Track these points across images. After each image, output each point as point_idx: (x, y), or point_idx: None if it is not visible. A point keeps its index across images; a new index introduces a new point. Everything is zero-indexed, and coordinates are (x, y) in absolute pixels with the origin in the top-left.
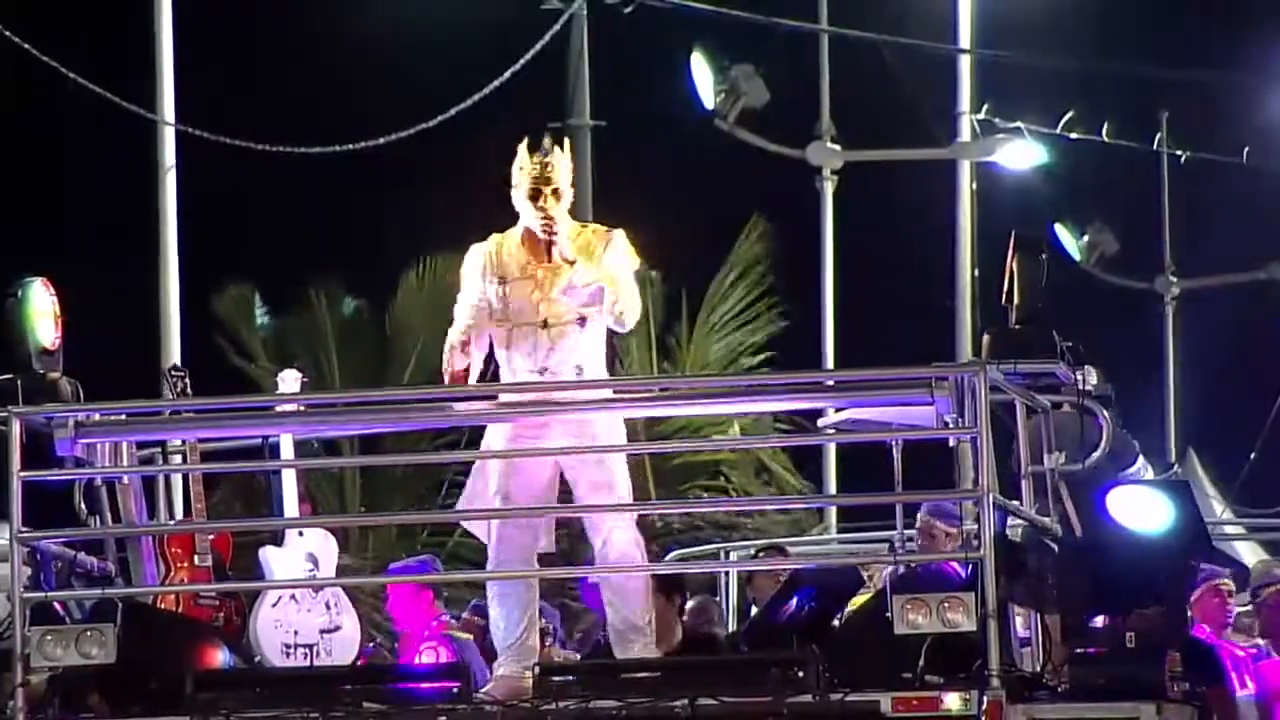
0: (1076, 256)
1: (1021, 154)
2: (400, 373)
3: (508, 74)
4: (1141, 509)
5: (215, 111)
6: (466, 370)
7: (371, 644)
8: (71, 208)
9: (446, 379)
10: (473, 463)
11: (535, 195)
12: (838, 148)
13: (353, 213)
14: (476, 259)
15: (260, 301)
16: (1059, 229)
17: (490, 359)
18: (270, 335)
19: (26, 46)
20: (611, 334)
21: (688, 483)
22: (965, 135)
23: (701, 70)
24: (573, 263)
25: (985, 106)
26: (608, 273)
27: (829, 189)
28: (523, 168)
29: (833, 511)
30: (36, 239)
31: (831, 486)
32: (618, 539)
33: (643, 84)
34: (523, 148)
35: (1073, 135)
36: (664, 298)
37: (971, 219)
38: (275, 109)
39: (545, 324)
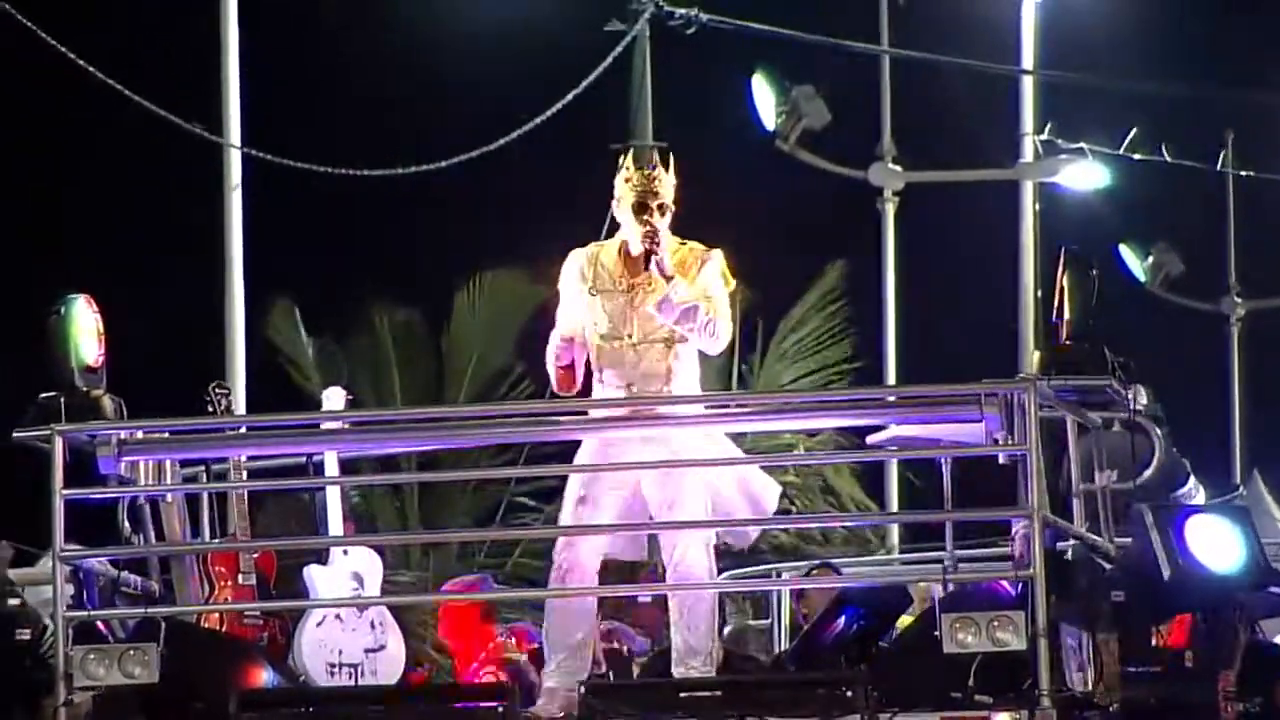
0: (1141, 278)
1: (1085, 175)
2: (457, 390)
3: (570, 96)
4: (1215, 542)
5: (275, 132)
6: (570, 368)
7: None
8: (132, 226)
9: (555, 385)
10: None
11: (641, 208)
12: (899, 169)
13: (412, 234)
14: (573, 266)
15: (308, 319)
16: (1123, 250)
17: (587, 371)
18: (323, 355)
19: (64, 60)
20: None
21: None
22: (1028, 156)
23: (762, 91)
24: (670, 278)
25: (1048, 127)
26: (702, 291)
27: (890, 210)
28: (629, 180)
29: (895, 533)
30: (95, 257)
31: (893, 508)
32: (690, 560)
33: (704, 106)
34: (628, 160)
35: (1136, 156)
36: (737, 321)
37: (1035, 240)
38: (335, 132)
39: (634, 340)
